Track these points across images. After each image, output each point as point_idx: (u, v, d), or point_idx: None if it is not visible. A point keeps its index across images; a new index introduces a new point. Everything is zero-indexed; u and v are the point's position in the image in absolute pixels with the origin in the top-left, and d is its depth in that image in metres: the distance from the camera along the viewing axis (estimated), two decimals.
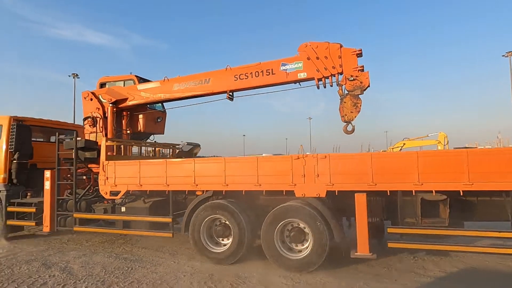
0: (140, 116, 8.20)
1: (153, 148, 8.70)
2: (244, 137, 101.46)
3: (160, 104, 8.46)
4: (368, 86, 5.59)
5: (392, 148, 24.74)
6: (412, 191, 4.65)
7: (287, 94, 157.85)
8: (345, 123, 5.79)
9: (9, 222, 7.36)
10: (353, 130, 5.78)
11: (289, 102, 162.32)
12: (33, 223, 7.17)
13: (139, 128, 8.26)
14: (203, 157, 9.95)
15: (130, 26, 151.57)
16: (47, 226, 6.94)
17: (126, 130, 8.05)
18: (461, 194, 4.42)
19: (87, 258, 5.83)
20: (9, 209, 7.37)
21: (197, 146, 21.43)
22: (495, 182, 4.26)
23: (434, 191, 4.57)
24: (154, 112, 8.59)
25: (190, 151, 22.05)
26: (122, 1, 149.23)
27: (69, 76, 44.67)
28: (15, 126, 7.56)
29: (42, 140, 8.48)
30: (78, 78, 45.00)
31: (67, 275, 4.94)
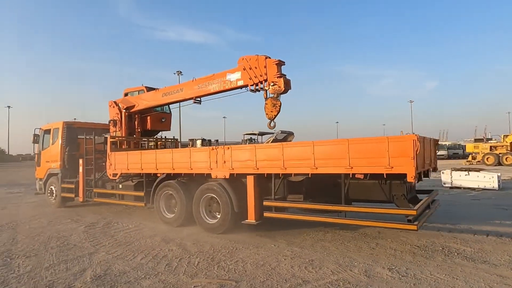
0: (148, 117, 10.25)
1: (155, 142, 10.94)
2: (337, 124, 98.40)
3: (166, 106, 10.43)
4: (285, 91, 6.80)
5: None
6: (279, 174, 5.99)
7: (382, 77, 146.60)
8: (269, 121, 7.02)
9: (62, 194, 10.32)
10: (274, 126, 7.14)
11: (386, 85, 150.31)
12: (73, 195, 10.02)
13: (147, 127, 10.34)
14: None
15: (225, 22, 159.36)
16: (80, 197, 9.74)
17: (137, 129, 10.19)
18: (309, 176, 5.72)
19: (197, 236, 6.40)
20: (62, 185, 10.33)
21: (290, 134, 21.65)
22: (331, 167, 5.39)
23: (293, 174, 5.95)
24: (159, 114, 10.54)
25: (284, 139, 22.31)
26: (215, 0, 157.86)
27: (174, 73, 49.56)
28: (65, 129, 10.57)
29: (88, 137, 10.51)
30: (182, 75, 49.54)
31: (182, 250, 5.53)
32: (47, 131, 11.27)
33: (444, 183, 12.84)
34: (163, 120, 10.74)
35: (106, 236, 6.64)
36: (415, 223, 4.77)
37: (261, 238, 6.15)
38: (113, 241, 6.20)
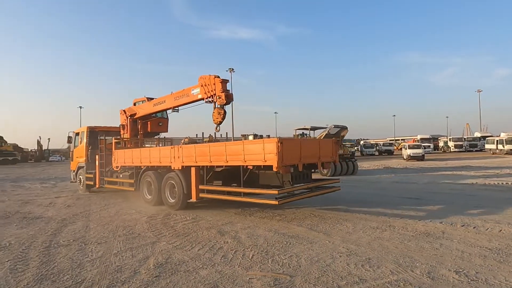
0: (148, 122, 12.72)
1: (157, 141, 13.93)
2: (394, 117, 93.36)
3: (164, 112, 12.67)
4: (227, 103, 8.67)
5: None
6: (208, 166, 8.08)
7: (447, 66, 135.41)
8: (215, 126, 8.92)
9: (86, 182, 13.23)
10: (218, 130, 9.05)
11: (449, 75, 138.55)
12: (92, 183, 12.82)
13: (148, 129, 12.86)
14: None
15: (275, 17, 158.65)
16: (97, 184, 12.50)
17: (140, 131, 12.74)
18: (224, 167, 8.03)
19: (251, 230, 6.55)
20: (86, 175, 13.21)
21: (344, 128, 21.26)
22: (235, 161, 7.37)
23: (216, 166, 8.06)
24: (158, 119, 12.92)
25: (338, 133, 21.85)
26: None
27: (226, 71, 50.82)
28: (89, 132, 13.58)
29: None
30: (234, 72, 50.64)
31: (237, 243, 5.67)
32: (77, 134, 14.52)
33: None
34: (160, 124, 13.18)
35: (166, 227, 7.03)
36: (278, 200, 6.76)
37: (315, 234, 6.07)
38: (172, 232, 6.55)
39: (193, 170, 8.35)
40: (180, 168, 8.72)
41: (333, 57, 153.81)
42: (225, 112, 8.70)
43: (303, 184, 7.89)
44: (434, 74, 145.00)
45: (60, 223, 7.72)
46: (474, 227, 6.21)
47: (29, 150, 65.24)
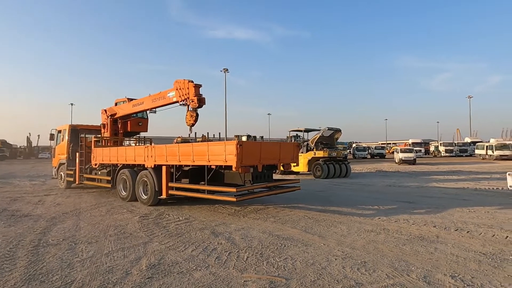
0: (128, 121, 13.08)
1: (136, 140, 14.36)
2: (386, 121, 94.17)
3: (145, 112, 13.10)
4: (199, 106, 9.04)
5: None
6: (177, 165, 8.65)
7: (441, 71, 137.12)
8: (189, 127, 9.27)
9: (67, 178, 13.63)
10: (192, 132, 9.44)
11: (444, 80, 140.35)
12: (72, 179, 13.25)
13: (128, 129, 13.21)
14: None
15: (273, 18, 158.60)
16: (76, 181, 12.90)
17: (120, 131, 13.16)
18: (191, 166, 8.58)
19: (245, 231, 6.47)
20: (67, 172, 13.57)
21: (338, 131, 21.30)
22: (200, 161, 7.92)
23: (184, 165, 8.59)
24: (137, 119, 13.32)
25: (331, 136, 21.92)
26: None
27: (221, 71, 50.69)
28: (71, 130, 13.87)
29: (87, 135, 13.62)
30: (228, 72, 50.52)
31: (231, 244, 5.59)
32: (59, 131, 14.81)
33: (511, 186, 11.68)
34: (140, 124, 13.56)
35: (159, 227, 6.92)
36: (236, 197, 7.41)
37: (310, 236, 6.02)
38: (165, 232, 6.45)
39: (164, 168, 8.81)
40: (152, 166, 9.20)
41: (328, 60, 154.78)
42: (197, 115, 9.12)
43: (262, 183, 8.36)
44: (426, 80, 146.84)
45: (50, 222, 7.55)
46: (467, 232, 6.24)
47: (18, 146, 64.14)
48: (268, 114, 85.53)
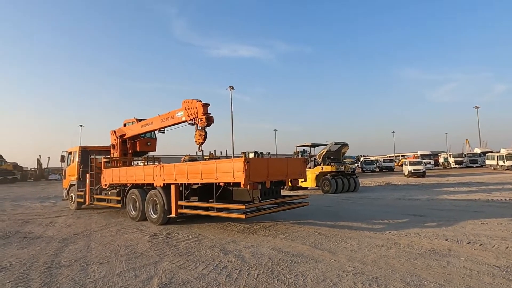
0: (137, 142, 13.36)
1: (144, 160, 14.66)
2: (394, 134, 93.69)
3: (153, 132, 13.15)
4: (208, 125, 9.19)
5: None
6: (185, 183, 8.67)
7: (446, 82, 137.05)
8: (198, 146, 9.40)
9: (77, 199, 13.68)
10: (201, 150, 9.52)
11: (447, 91, 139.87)
12: (82, 200, 13.27)
13: (137, 149, 13.49)
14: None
15: (275, 35, 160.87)
16: (87, 202, 12.96)
17: (129, 151, 13.36)
18: (199, 184, 8.71)
19: (255, 249, 6.47)
20: (77, 193, 13.67)
21: (345, 145, 21.33)
22: (209, 178, 8.02)
23: (192, 183, 8.66)
24: (146, 139, 13.59)
25: (338, 150, 21.93)
26: (266, 15, 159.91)
27: (227, 89, 51.41)
28: (81, 151, 14.08)
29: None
30: (234, 90, 51.22)
31: (241, 262, 5.59)
32: (70, 153, 15.08)
33: None
34: (148, 143, 13.81)
35: (169, 246, 6.95)
36: (245, 214, 7.40)
37: (320, 252, 6.00)
38: (175, 251, 6.48)
39: (173, 187, 8.88)
40: (161, 185, 9.26)
41: (332, 74, 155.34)
42: (206, 133, 9.25)
43: (270, 200, 8.34)
44: (432, 91, 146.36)
45: (61, 243, 7.64)
46: (480, 244, 6.15)
47: (29, 169, 65.10)
48: (275, 130, 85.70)
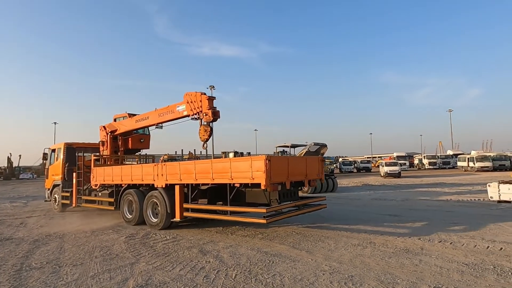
0: (129, 138, 12.50)
1: (138, 158, 13.40)
2: (371, 135, 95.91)
3: (146, 129, 12.43)
4: (214, 120, 8.46)
5: None
6: (193, 184, 7.90)
7: (422, 86, 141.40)
8: (202, 142, 8.70)
9: (62, 201, 12.55)
10: (206, 147, 8.87)
11: (426, 94, 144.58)
12: (68, 202, 12.15)
13: (129, 146, 12.60)
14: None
15: (258, 36, 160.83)
16: (73, 203, 11.83)
17: (121, 148, 12.51)
18: (210, 185, 7.86)
19: (233, 249, 6.44)
20: (62, 194, 12.57)
21: (323, 146, 21.53)
22: (221, 178, 7.22)
23: (201, 184, 7.88)
24: (139, 135, 12.71)
25: (317, 151, 22.14)
26: (249, 13, 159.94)
27: (207, 88, 50.98)
28: (66, 148, 12.98)
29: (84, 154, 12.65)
30: (215, 89, 50.85)
31: (219, 262, 5.55)
32: (53, 150, 13.90)
33: (491, 197, 12.02)
34: (141, 140, 13.00)
35: (146, 246, 6.84)
36: (266, 218, 6.71)
37: (297, 252, 6.06)
38: (152, 252, 6.37)
39: (177, 188, 8.03)
40: (163, 186, 8.44)
41: (313, 76, 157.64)
42: (211, 129, 8.53)
43: (290, 202, 7.77)
44: (408, 94, 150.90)
45: (32, 245, 7.36)
46: (451, 243, 6.39)
47: None
48: (255, 130, 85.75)
